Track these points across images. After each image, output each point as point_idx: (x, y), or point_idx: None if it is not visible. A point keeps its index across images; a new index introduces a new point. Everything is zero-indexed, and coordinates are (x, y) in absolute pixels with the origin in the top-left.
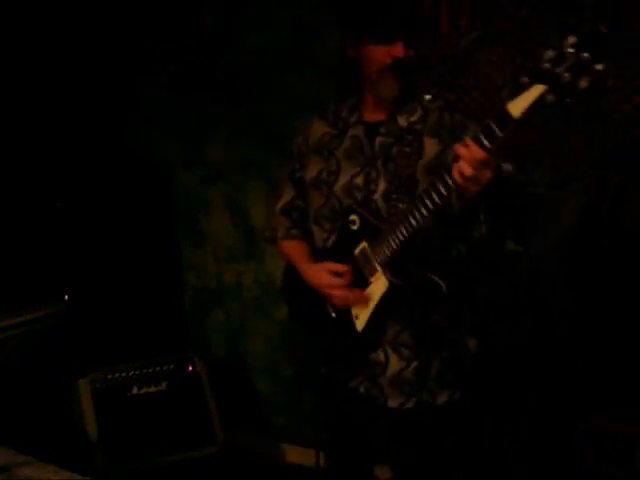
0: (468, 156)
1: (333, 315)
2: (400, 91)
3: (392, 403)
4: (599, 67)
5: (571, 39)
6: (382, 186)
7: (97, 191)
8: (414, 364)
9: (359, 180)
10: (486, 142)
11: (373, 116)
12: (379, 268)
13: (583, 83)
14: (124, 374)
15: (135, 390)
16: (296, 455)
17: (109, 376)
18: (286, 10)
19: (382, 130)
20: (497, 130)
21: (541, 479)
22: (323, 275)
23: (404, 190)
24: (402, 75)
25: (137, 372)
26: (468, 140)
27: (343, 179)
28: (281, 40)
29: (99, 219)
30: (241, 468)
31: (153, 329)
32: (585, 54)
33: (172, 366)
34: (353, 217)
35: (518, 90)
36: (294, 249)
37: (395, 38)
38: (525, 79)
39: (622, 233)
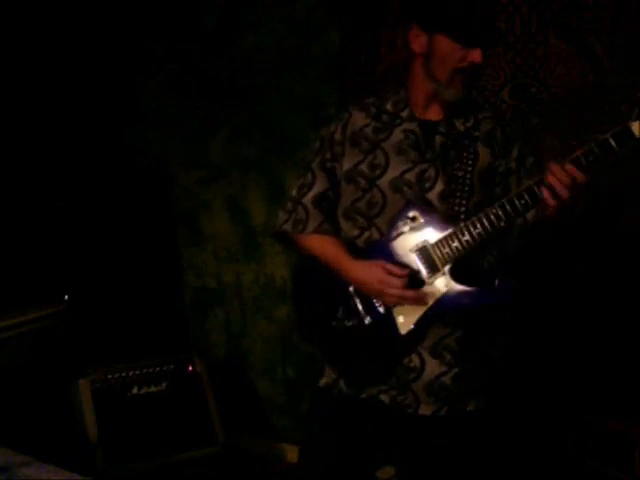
0: (563, 176)
1: (367, 321)
2: (465, 96)
3: (425, 410)
4: None
5: None
6: (439, 186)
7: (97, 191)
8: (455, 370)
9: (411, 176)
10: (600, 154)
11: (426, 114)
12: (442, 268)
13: None
14: (124, 374)
15: (135, 390)
16: (296, 455)
17: (109, 376)
18: (286, 10)
19: (442, 129)
20: (615, 146)
21: (541, 479)
22: (380, 272)
23: (460, 194)
24: (470, 81)
25: (137, 372)
26: (567, 163)
27: (392, 173)
28: (281, 40)
29: (99, 219)
30: (241, 468)
31: (153, 329)
32: None
33: (172, 366)
34: (414, 213)
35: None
36: (331, 245)
37: (477, 43)
38: None
39: (621, 234)
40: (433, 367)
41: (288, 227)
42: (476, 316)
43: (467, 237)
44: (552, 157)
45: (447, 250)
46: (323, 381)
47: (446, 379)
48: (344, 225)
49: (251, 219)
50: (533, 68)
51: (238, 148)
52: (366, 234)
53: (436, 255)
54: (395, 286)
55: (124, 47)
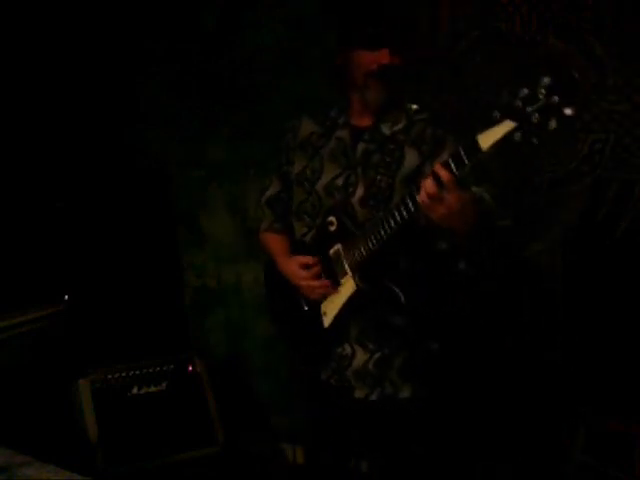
0: (437, 177)
1: (305, 308)
2: (385, 98)
3: (358, 394)
4: (569, 111)
5: (545, 80)
6: (360, 191)
7: (97, 191)
8: (376, 356)
9: (339, 182)
10: (454, 168)
11: (359, 120)
12: (349, 271)
13: (552, 124)
14: (124, 374)
15: (135, 390)
16: (296, 455)
17: (109, 376)
18: (286, 10)
19: (365, 137)
20: (465, 158)
21: (541, 479)
22: (294, 267)
23: (381, 198)
24: (387, 82)
25: (137, 372)
26: (440, 164)
27: (325, 179)
28: (281, 40)
29: (99, 219)
30: (241, 468)
31: (153, 329)
32: (555, 97)
33: (172, 366)
34: (331, 219)
35: (489, 122)
36: (274, 242)
37: (381, 44)
38: (496, 114)
39: (622, 234)
40: (361, 355)
41: (254, 226)
42: (385, 314)
43: (368, 243)
44: None
45: (354, 255)
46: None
47: (369, 365)
48: (295, 224)
49: (251, 219)
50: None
51: (238, 148)
52: (310, 233)
53: (345, 259)
54: (304, 278)
55: (124, 47)
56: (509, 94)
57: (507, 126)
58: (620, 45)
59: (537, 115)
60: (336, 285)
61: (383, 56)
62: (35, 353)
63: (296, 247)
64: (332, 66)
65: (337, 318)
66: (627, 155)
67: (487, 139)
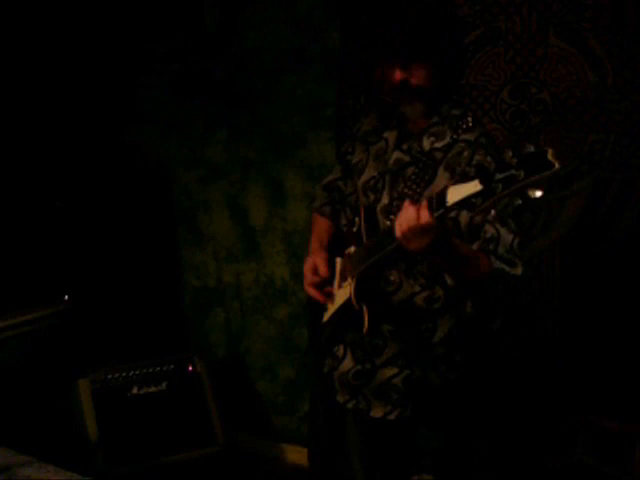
0: (411, 214)
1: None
2: (422, 110)
3: (339, 398)
4: (534, 194)
5: (528, 148)
6: (384, 200)
7: (97, 191)
8: (357, 367)
9: (372, 184)
10: (429, 211)
11: (413, 124)
12: (349, 278)
13: (516, 201)
14: (124, 374)
15: (135, 390)
16: (296, 455)
17: (109, 376)
18: (286, 10)
19: (404, 146)
20: (434, 209)
21: (541, 479)
22: (308, 265)
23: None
24: (420, 98)
25: (137, 372)
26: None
27: (365, 177)
28: (281, 40)
29: (99, 219)
30: (241, 468)
31: (153, 329)
32: (522, 172)
33: (172, 366)
34: (357, 219)
35: (464, 177)
36: (317, 225)
37: (395, 61)
38: (472, 169)
39: (622, 233)
40: (348, 361)
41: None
42: (372, 331)
43: (369, 257)
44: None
45: (356, 263)
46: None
47: (350, 374)
48: (342, 213)
49: (251, 219)
50: (533, 68)
51: (238, 148)
52: (347, 227)
53: (348, 265)
54: (308, 282)
55: (124, 47)
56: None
57: (474, 187)
58: (620, 45)
59: (500, 185)
60: (341, 285)
61: (395, 73)
62: (35, 353)
63: (340, 237)
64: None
65: (332, 318)
66: (627, 155)
67: (454, 194)
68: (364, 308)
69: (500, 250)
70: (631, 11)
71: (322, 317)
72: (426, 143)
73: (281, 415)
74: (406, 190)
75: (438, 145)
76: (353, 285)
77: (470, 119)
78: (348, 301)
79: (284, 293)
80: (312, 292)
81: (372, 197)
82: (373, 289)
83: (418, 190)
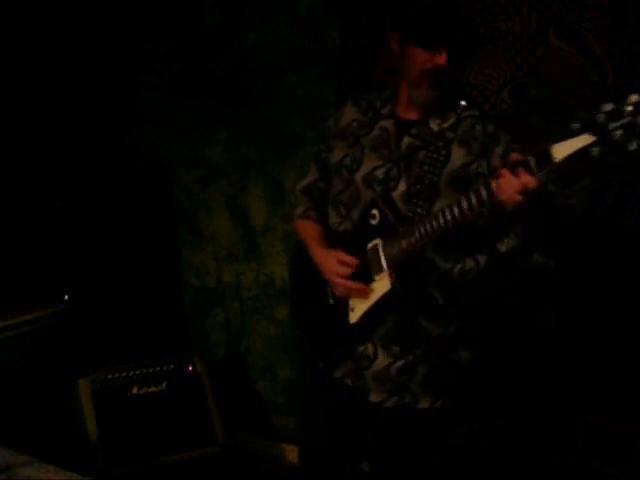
0: (513, 178)
1: (331, 302)
2: (435, 97)
3: (374, 398)
4: None
5: (633, 98)
6: (402, 186)
7: (97, 191)
8: (399, 363)
9: (379, 173)
10: (534, 170)
11: (405, 113)
12: (386, 269)
13: (632, 146)
14: (124, 374)
15: (135, 390)
16: (296, 455)
17: (109, 376)
18: (286, 10)
19: (413, 131)
20: (535, 168)
21: (542, 479)
22: (331, 261)
23: (423, 196)
24: (439, 82)
25: (137, 372)
26: (514, 158)
27: (365, 169)
28: (281, 40)
29: (99, 219)
30: (241, 468)
31: (153, 329)
32: None
33: (172, 366)
34: (374, 212)
35: (566, 134)
36: (309, 229)
37: (440, 46)
38: (576, 125)
39: (622, 233)
40: (383, 358)
41: (289, 212)
42: (417, 317)
43: (413, 240)
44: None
45: (394, 252)
46: (321, 364)
47: (392, 370)
48: (330, 213)
49: (251, 219)
50: (533, 68)
51: (238, 148)
52: (343, 224)
53: (383, 255)
54: (341, 275)
55: (124, 47)
56: (591, 107)
57: (585, 140)
58: (620, 45)
59: (620, 132)
60: (369, 281)
61: (441, 58)
62: (35, 353)
63: (331, 237)
64: (384, 50)
65: (365, 316)
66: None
67: (562, 150)
68: (410, 294)
69: None
70: (631, 11)
71: (342, 320)
72: (433, 125)
73: (281, 415)
74: (422, 173)
75: (446, 125)
76: (393, 276)
77: (463, 101)
78: (386, 294)
79: (284, 293)
80: (346, 285)
81: (379, 188)
82: (415, 275)
83: (436, 171)
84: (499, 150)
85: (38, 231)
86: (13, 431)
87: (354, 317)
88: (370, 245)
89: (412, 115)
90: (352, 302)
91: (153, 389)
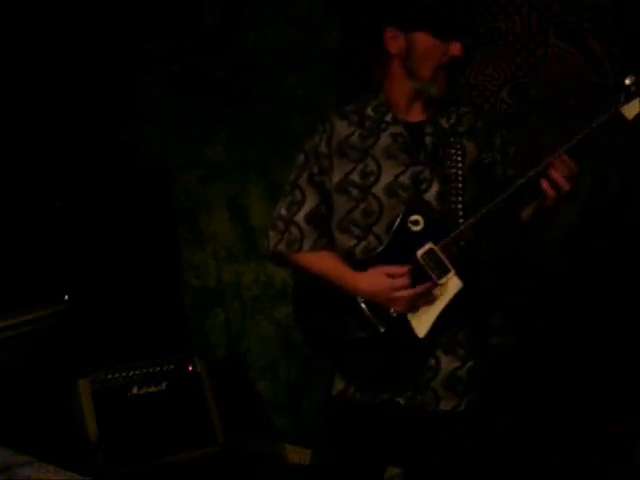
0: (565, 168)
1: (381, 330)
2: (446, 92)
3: (445, 406)
4: None
5: None
6: (435, 186)
7: (97, 191)
8: (469, 364)
9: (405, 179)
10: (581, 151)
11: (409, 116)
12: (452, 269)
13: None
14: (124, 374)
15: (135, 390)
16: (296, 455)
17: (109, 376)
18: (286, 10)
19: (428, 130)
20: (608, 129)
21: (542, 479)
22: (382, 280)
23: (455, 192)
24: (452, 76)
25: (137, 372)
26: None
27: (386, 179)
28: (281, 40)
29: (99, 219)
30: (241, 468)
31: (153, 329)
32: None
33: (172, 366)
34: (416, 218)
35: (628, 95)
36: (327, 260)
37: (457, 36)
38: (633, 87)
39: (622, 231)
40: (448, 363)
41: (282, 248)
42: (480, 310)
43: (472, 234)
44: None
45: (455, 250)
46: (336, 389)
47: (462, 373)
48: (339, 237)
49: (251, 219)
50: (533, 68)
51: (238, 148)
52: (363, 244)
53: (445, 256)
54: (403, 287)
55: (124, 47)
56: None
57: None
58: (620, 45)
59: None
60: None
61: (457, 49)
62: (35, 353)
63: (352, 263)
64: (341, 65)
65: (436, 324)
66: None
67: (632, 110)
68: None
69: None
70: (631, 11)
71: (404, 341)
72: (443, 122)
73: (281, 415)
74: (448, 170)
75: (453, 121)
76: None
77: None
78: (456, 296)
79: (284, 293)
80: (413, 293)
81: (406, 194)
82: (475, 268)
83: (459, 165)
84: (497, 142)
85: (38, 231)
86: (13, 431)
87: (422, 330)
88: (422, 251)
89: (417, 116)
90: (410, 317)
91: (153, 389)
